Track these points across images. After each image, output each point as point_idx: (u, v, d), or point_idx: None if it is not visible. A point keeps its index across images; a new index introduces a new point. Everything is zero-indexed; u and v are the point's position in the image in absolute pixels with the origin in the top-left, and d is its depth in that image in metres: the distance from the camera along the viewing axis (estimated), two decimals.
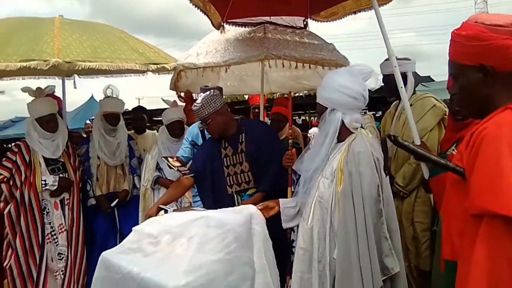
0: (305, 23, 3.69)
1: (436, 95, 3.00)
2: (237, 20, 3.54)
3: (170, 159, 2.95)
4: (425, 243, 2.73)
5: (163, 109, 3.92)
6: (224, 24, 3.50)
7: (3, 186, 3.12)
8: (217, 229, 2.20)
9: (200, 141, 3.21)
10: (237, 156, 2.80)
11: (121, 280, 2.20)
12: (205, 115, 2.71)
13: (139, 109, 4.63)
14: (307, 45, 3.60)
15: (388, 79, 2.74)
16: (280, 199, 2.33)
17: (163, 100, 3.87)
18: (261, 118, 4.28)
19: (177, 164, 2.90)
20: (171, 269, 2.06)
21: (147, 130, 4.55)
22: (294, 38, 3.63)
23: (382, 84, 2.96)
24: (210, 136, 2.94)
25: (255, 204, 2.51)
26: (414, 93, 2.92)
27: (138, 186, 3.77)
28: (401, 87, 2.36)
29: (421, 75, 3.15)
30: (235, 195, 2.80)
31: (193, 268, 2.04)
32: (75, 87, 4.19)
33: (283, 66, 3.59)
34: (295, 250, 2.13)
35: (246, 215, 2.24)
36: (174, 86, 3.79)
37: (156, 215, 2.58)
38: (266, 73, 4.71)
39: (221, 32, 3.51)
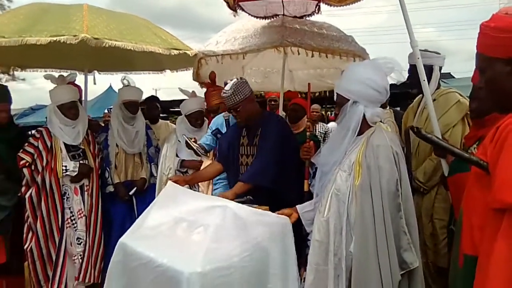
0: (317, 7, 3.62)
1: None
2: (250, 5, 3.47)
3: (191, 139, 3.10)
4: (444, 240, 2.70)
5: (181, 100, 3.93)
6: (237, 8, 3.44)
7: (25, 170, 3.18)
8: (235, 220, 2.22)
9: (224, 130, 3.24)
10: (251, 148, 2.84)
11: (137, 265, 2.24)
12: (235, 102, 2.72)
13: (153, 99, 4.65)
14: (325, 36, 3.57)
15: (414, 69, 2.70)
16: (297, 205, 2.29)
17: (181, 90, 3.88)
18: (280, 112, 4.27)
19: (196, 144, 3.02)
20: (188, 256, 2.08)
21: (160, 120, 4.58)
22: (313, 28, 3.61)
23: (404, 80, 2.92)
24: (234, 123, 2.98)
25: (234, 195, 2.57)
26: (438, 87, 2.87)
27: (155, 175, 3.81)
28: (424, 80, 2.32)
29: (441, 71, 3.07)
30: None
31: (209, 256, 2.06)
32: (94, 83, 4.28)
33: (299, 54, 3.56)
34: (310, 243, 2.13)
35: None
36: (196, 74, 3.81)
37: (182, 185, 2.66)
38: (291, 72, 4.71)
39: (234, 16, 3.49)
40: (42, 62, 4.09)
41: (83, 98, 4.13)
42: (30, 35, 2.72)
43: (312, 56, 3.56)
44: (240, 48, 3.46)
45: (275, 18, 3.61)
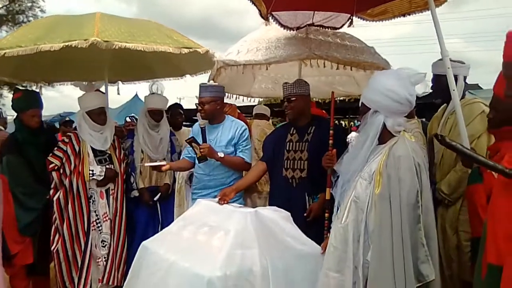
0: (350, 20, 3.64)
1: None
2: (282, 15, 3.48)
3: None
4: (469, 252, 2.63)
5: None
6: (270, 18, 3.44)
7: (54, 174, 3.28)
8: (257, 228, 2.25)
9: (200, 139, 3.15)
10: (301, 144, 2.98)
11: (159, 268, 2.29)
12: (290, 92, 2.96)
13: (177, 106, 4.75)
14: (348, 47, 3.58)
15: (438, 79, 2.67)
16: None
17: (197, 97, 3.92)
18: None
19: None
20: (208, 261, 2.12)
21: (183, 127, 4.65)
22: (336, 40, 3.61)
23: (429, 91, 2.89)
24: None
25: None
26: (463, 97, 2.83)
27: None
28: (454, 90, 2.30)
29: (468, 82, 3.00)
30: (290, 179, 2.95)
31: (229, 261, 2.09)
32: (118, 93, 4.37)
33: (325, 66, 3.57)
34: None
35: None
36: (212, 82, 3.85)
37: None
38: (302, 78, 4.71)
39: (266, 25, 3.51)
40: (66, 75, 4.25)
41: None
42: (44, 42, 2.80)
43: (338, 68, 3.56)
44: (264, 59, 3.47)
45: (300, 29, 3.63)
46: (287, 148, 3.00)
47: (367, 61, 3.52)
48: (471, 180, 2.24)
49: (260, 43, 3.61)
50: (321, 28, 3.66)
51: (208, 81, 3.78)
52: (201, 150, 3.04)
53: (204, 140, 3.11)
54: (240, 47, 3.70)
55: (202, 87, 3.22)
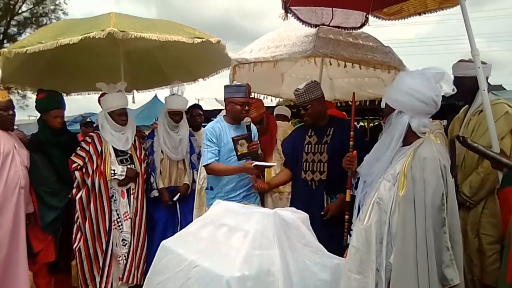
0: (365, 18, 3.61)
1: None
2: (301, 10, 3.47)
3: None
4: (491, 256, 2.58)
5: (220, 110, 4.00)
6: (288, 12, 3.41)
7: (77, 173, 3.34)
8: (277, 229, 2.25)
9: (227, 135, 3.09)
10: (320, 146, 2.94)
11: (178, 267, 2.30)
12: (305, 100, 2.89)
13: (196, 107, 4.80)
14: (359, 46, 3.55)
15: (460, 81, 2.62)
16: None
17: (217, 100, 3.95)
18: None
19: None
20: (227, 261, 2.12)
21: (201, 128, 4.69)
22: (347, 39, 3.59)
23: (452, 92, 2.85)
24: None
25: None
26: None
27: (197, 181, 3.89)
28: (484, 90, 2.26)
29: (491, 83, 2.94)
30: (309, 182, 2.94)
31: (248, 261, 2.09)
32: (133, 102, 4.46)
33: (338, 65, 3.56)
34: None
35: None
36: (232, 81, 3.89)
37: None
38: (331, 80, 4.68)
39: (283, 19, 3.52)
40: (82, 86, 4.39)
41: None
42: (63, 37, 2.89)
43: (345, 66, 3.55)
44: (271, 56, 3.52)
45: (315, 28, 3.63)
46: (306, 151, 2.98)
47: (377, 60, 3.49)
48: (507, 181, 2.15)
49: (272, 42, 3.65)
50: (335, 27, 3.65)
51: (229, 81, 3.82)
52: (254, 146, 3.03)
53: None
54: (254, 46, 3.75)
55: (244, 86, 3.22)
